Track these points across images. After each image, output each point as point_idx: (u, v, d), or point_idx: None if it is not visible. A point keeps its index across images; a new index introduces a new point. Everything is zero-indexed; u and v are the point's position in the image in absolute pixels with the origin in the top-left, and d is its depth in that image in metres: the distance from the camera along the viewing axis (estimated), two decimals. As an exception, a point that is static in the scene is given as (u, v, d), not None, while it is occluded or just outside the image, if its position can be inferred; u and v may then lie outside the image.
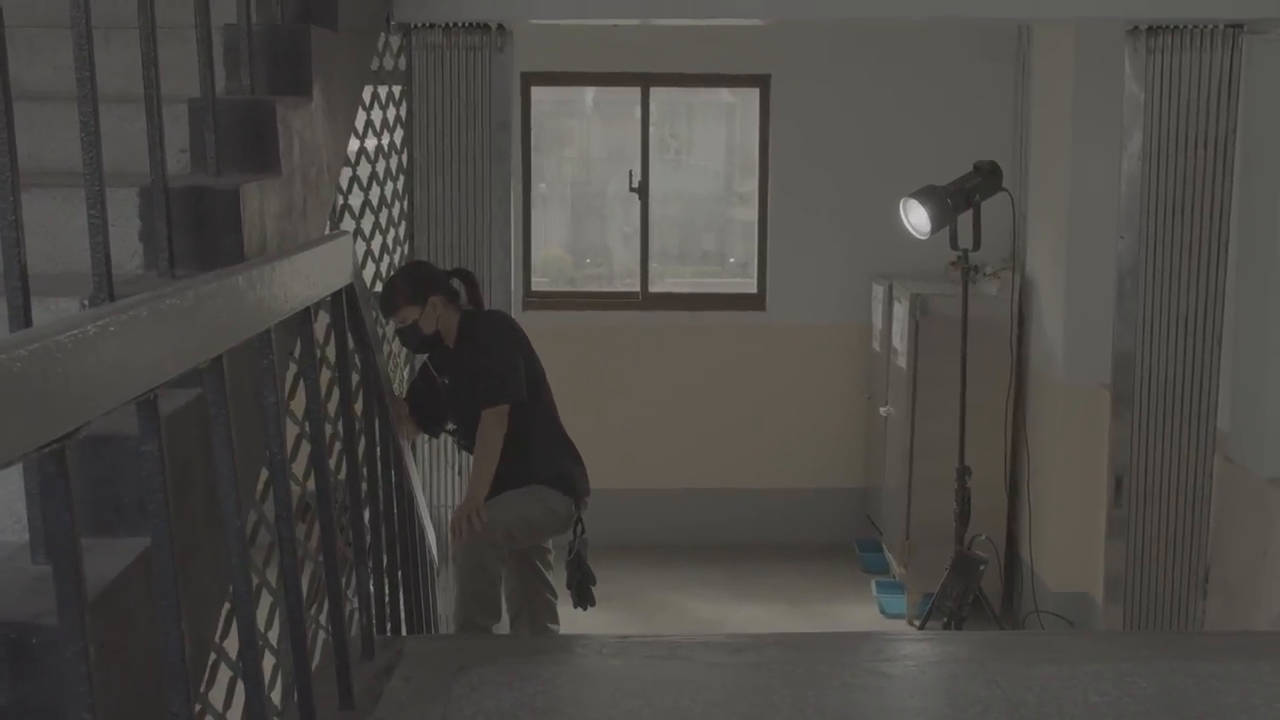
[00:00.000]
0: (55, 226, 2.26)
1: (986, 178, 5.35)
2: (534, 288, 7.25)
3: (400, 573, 3.13)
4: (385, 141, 4.78)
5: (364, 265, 4.58)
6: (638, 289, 7.30)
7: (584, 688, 2.54)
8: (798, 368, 7.24)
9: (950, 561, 5.44)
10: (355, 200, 4.59)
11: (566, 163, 7.81)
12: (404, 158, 4.87)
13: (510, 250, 4.91)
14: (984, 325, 5.98)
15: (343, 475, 2.70)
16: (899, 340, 6.45)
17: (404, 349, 4.88)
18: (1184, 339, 4.79)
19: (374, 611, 2.66)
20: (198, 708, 2.12)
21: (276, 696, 2.92)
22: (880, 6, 4.76)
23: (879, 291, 6.86)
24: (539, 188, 7.37)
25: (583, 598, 4.81)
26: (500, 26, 4.73)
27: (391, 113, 4.81)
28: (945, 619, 5.37)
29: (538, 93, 7.16)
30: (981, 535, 5.66)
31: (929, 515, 6.13)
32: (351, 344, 2.59)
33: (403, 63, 4.77)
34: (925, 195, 5.24)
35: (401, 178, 4.90)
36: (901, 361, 6.39)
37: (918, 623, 5.82)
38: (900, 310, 6.42)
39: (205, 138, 2.31)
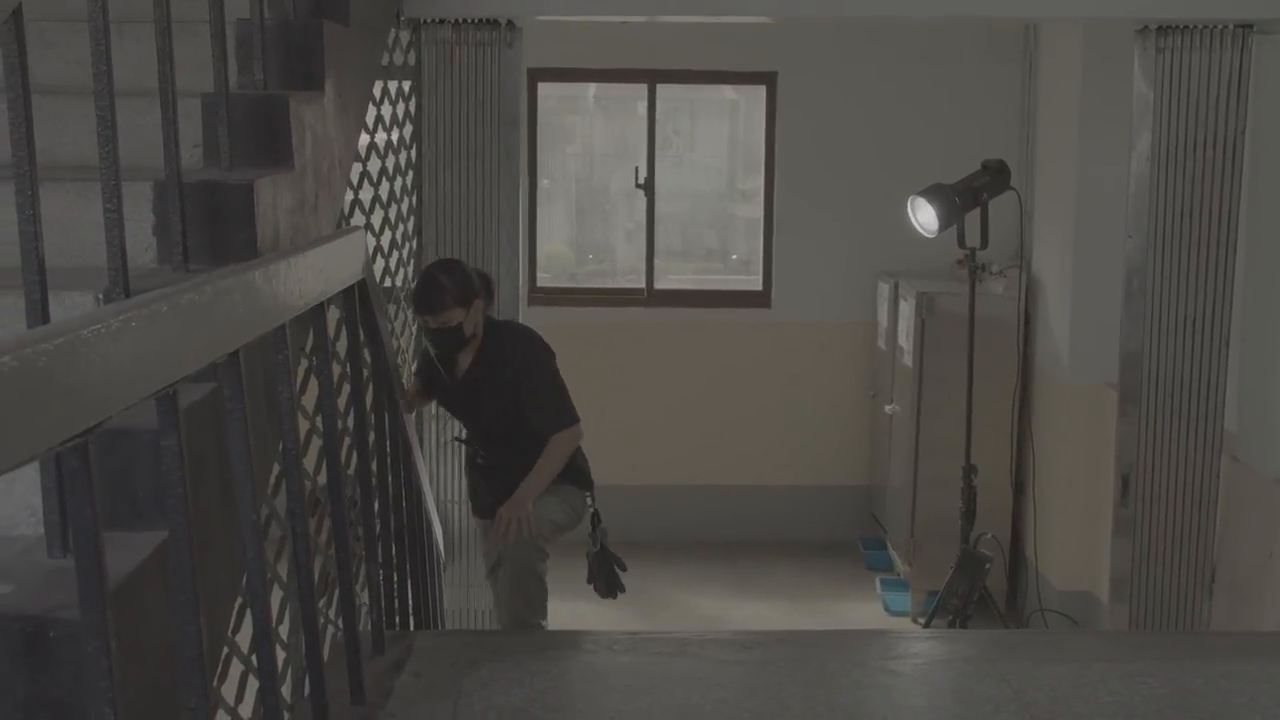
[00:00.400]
0: (68, 220, 2.26)
1: (994, 176, 5.35)
2: (538, 284, 7.24)
3: (409, 567, 3.13)
4: (394, 137, 4.78)
5: (373, 260, 4.57)
6: (642, 285, 7.29)
7: (594, 684, 2.55)
8: (803, 365, 7.24)
9: (956, 559, 5.44)
10: (364, 195, 4.58)
11: (569, 158, 7.80)
12: (413, 153, 4.87)
13: (518, 246, 4.91)
14: (990, 324, 5.97)
15: (352, 470, 2.70)
16: (904, 338, 6.44)
17: (410, 345, 4.87)
18: (1191, 339, 4.79)
19: (384, 606, 2.66)
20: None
21: (285, 691, 2.92)
22: (888, 5, 4.76)
23: (884, 289, 6.86)
24: (542, 183, 7.37)
25: (612, 586, 4.80)
26: (510, 23, 4.72)
27: (401, 108, 4.81)
28: (950, 617, 5.37)
29: (543, 88, 7.16)
30: (987, 533, 5.66)
31: (934, 513, 6.14)
32: (362, 338, 2.59)
33: (412, 58, 4.77)
34: (933, 194, 5.24)
35: (410, 173, 4.89)
36: (907, 359, 6.38)
37: (922, 620, 5.82)
38: (906, 308, 6.42)
39: (219, 132, 2.31)
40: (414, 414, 4.66)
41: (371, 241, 4.65)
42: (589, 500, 4.73)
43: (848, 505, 7.27)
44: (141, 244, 2.23)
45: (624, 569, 4.83)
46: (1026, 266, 6.42)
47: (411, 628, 3.20)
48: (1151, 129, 4.71)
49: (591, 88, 7.66)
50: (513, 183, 4.84)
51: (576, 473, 4.67)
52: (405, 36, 4.73)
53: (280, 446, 1.98)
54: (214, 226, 2.23)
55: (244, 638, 2.51)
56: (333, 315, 2.32)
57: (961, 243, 5.38)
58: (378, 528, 2.61)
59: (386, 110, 4.68)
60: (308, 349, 2.83)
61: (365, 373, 2.70)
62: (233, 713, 2.62)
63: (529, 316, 5.31)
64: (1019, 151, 6.57)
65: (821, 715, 2.37)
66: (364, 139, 4.29)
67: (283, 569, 2.99)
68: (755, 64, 7.04)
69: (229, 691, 2.67)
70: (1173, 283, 4.77)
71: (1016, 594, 6.47)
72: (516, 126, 4.85)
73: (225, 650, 2.56)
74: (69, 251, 2.25)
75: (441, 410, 4.96)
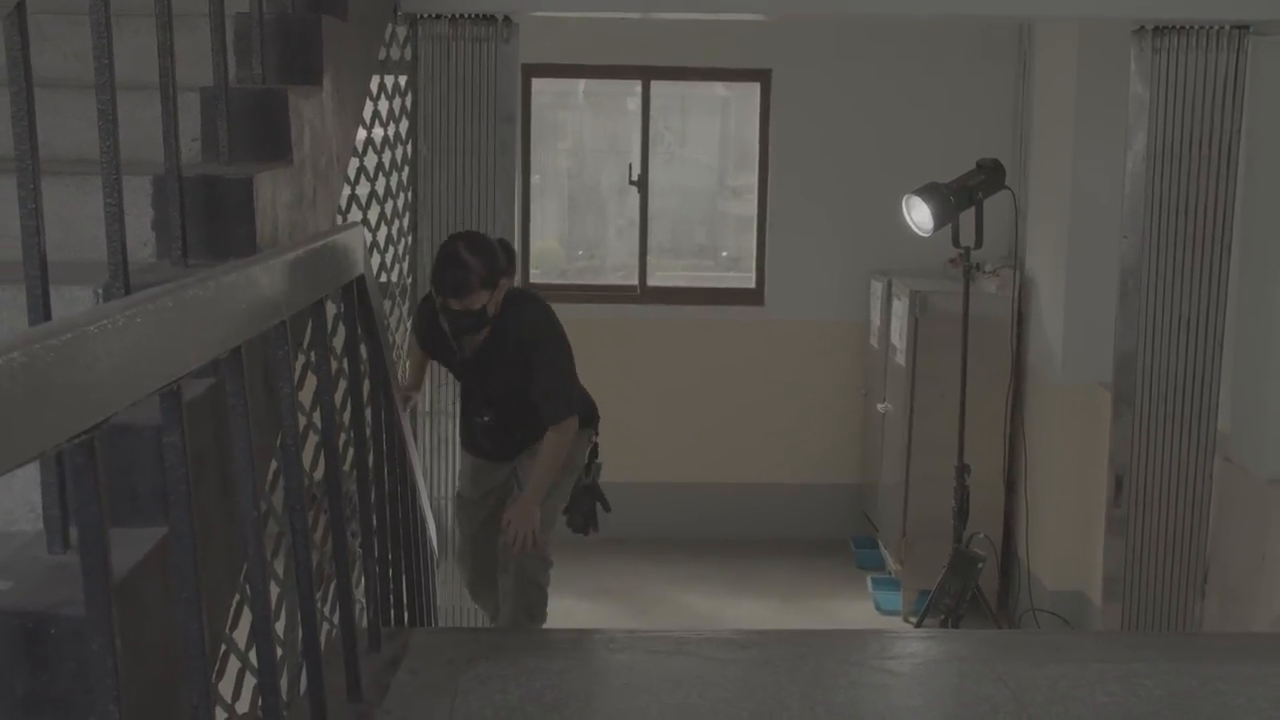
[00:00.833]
0: (67, 214, 2.24)
1: (989, 175, 5.34)
2: (530, 280, 7.23)
3: (405, 563, 3.12)
4: (390, 132, 4.76)
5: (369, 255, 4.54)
6: (634, 282, 7.28)
7: (592, 682, 2.54)
8: (796, 363, 7.23)
9: (949, 559, 5.44)
10: (361, 190, 4.57)
11: (561, 154, 7.79)
12: (409, 148, 4.85)
13: (511, 242, 4.90)
14: (983, 323, 5.97)
15: (348, 466, 2.69)
16: (897, 337, 6.44)
17: (408, 336, 4.84)
18: (1185, 339, 4.79)
19: (380, 603, 2.65)
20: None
21: (281, 688, 2.90)
22: (883, 4, 4.76)
23: (878, 288, 6.86)
24: (534, 179, 7.36)
25: (588, 523, 4.71)
26: (506, 18, 4.71)
27: (397, 103, 4.80)
28: (943, 616, 5.37)
29: (537, 84, 7.14)
30: (979, 533, 5.66)
31: (926, 512, 6.14)
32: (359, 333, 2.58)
33: (408, 53, 4.76)
34: (928, 192, 5.23)
35: (406, 169, 4.88)
36: (900, 358, 6.38)
37: (914, 620, 5.82)
38: (899, 307, 6.42)
39: (218, 126, 2.30)
40: (409, 408, 4.63)
41: (367, 237, 4.63)
42: (592, 436, 4.72)
43: (840, 504, 7.27)
44: (140, 238, 2.21)
45: (608, 509, 4.76)
46: (1020, 266, 6.43)
47: (406, 625, 3.19)
48: (1147, 129, 4.71)
49: (580, 83, 7.64)
50: (507, 178, 4.83)
51: (583, 410, 4.62)
52: (402, 31, 4.72)
53: (279, 442, 1.97)
54: (213, 221, 2.22)
55: (239, 634, 2.51)
56: (329, 311, 2.31)
57: (956, 241, 5.38)
58: (374, 523, 2.60)
59: (383, 105, 4.66)
60: (305, 345, 2.82)
61: (362, 368, 2.69)
62: (230, 710, 2.61)
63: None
64: (1014, 151, 6.58)
65: (819, 715, 2.37)
66: (360, 134, 4.27)
67: (279, 565, 2.99)
68: (750, 61, 7.04)
69: (225, 689, 2.66)
70: (1167, 283, 4.78)
71: (1008, 594, 6.48)
72: (512, 122, 4.84)
73: (223, 647, 2.55)
74: (67, 245, 2.23)
75: (435, 408, 4.94)
